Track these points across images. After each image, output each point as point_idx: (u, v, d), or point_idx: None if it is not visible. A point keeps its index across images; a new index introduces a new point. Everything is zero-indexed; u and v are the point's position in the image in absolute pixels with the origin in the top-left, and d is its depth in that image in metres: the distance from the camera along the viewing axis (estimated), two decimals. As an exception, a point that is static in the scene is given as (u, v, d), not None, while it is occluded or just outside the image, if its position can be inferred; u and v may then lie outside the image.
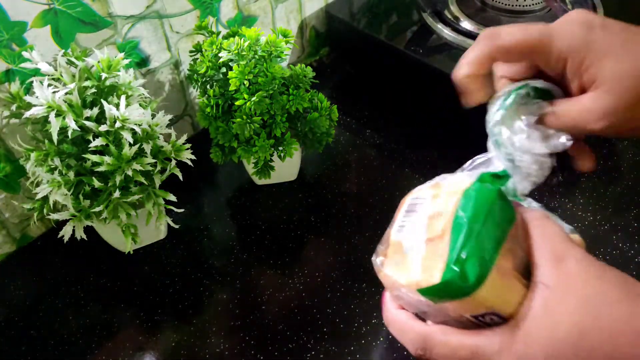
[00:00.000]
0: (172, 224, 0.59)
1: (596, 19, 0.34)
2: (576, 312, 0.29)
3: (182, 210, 0.58)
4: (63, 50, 0.55)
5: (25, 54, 0.52)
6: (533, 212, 0.34)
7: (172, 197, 0.56)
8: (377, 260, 0.36)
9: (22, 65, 0.54)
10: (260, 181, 0.69)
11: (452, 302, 0.31)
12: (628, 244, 0.59)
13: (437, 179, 0.37)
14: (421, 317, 0.35)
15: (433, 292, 0.31)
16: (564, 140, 0.35)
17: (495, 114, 0.36)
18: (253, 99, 0.56)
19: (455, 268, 0.30)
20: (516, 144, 0.35)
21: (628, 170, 0.67)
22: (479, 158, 0.38)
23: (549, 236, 0.32)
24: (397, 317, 0.35)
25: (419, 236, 0.33)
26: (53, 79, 0.52)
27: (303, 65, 0.61)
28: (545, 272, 0.31)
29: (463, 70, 0.37)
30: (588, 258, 0.31)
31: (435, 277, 0.31)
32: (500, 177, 0.35)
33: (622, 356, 0.28)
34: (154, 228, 0.62)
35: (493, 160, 0.37)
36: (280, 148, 0.60)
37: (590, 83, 0.34)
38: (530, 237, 0.33)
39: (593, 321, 0.29)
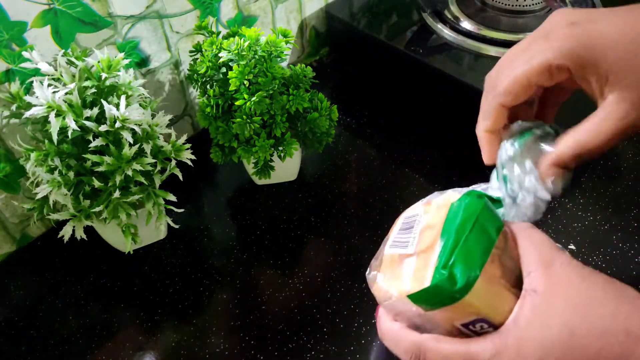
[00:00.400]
0: (172, 224, 0.59)
1: (577, 15, 0.34)
2: (565, 313, 0.29)
3: (182, 210, 0.58)
4: (63, 50, 0.55)
5: (25, 54, 0.52)
6: (519, 224, 0.35)
7: (172, 197, 0.57)
8: (370, 274, 0.37)
9: (22, 65, 0.54)
10: (260, 181, 0.69)
11: (442, 310, 0.32)
12: (628, 244, 0.59)
13: (430, 197, 0.38)
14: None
15: (423, 298, 0.32)
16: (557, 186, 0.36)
17: (507, 149, 0.37)
18: (253, 99, 0.56)
19: (444, 272, 0.31)
20: (525, 184, 0.35)
21: (628, 170, 0.67)
22: (479, 186, 0.39)
23: (536, 244, 0.33)
24: (390, 328, 0.35)
25: (411, 249, 0.34)
26: (53, 79, 0.52)
27: (303, 65, 0.61)
28: (534, 279, 0.31)
29: (480, 125, 0.38)
30: (574, 262, 0.32)
31: (424, 283, 0.31)
32: (493, 200, 0.36)
33: (611, 355, 0.28)
34: (154, 228, 0.62)
35: (490, 190, 0.38)
36: (280, 148, 0.60)
37: (603, 80, 0.32)
38: (519, 246, 0.33)
39: (582, 321, 0.29)
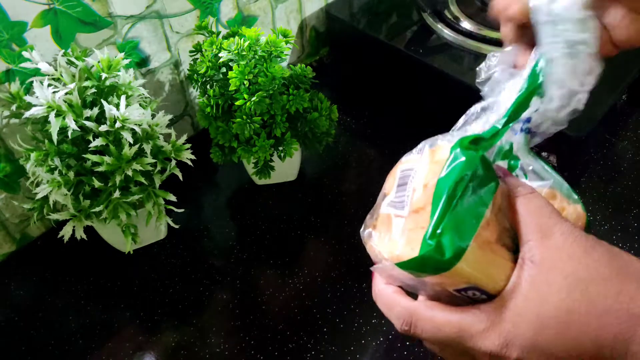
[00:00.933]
0: (172, 224, 0.59)
1: None
2: (564, 289, 0.28)
3: (182, 210, 0.58)
4: (63, 50, 0.55)
5: (25, 54, 0.52)
6: (519, 186, 0.33)
7: (172, 197, 0.56)
8: (365, 232, 0.35)
9: (22, 65, 0.54)
10: (260, 181, 0.69)
11: (432, 277, 0.30)
12: (628, 244, 0.59)
13: (423, 144, 0.36)
14: (411, 292, 0.34)
15: (411, 267, 0.31)
16: None
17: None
18: (253, 99, 0.56)
19: (431, 242, 0.30)
20: (556, 11, 0.33)
21: (628, 170, 0.67)
22: (476, 107, 0.37)
23: (535, 211, 0.31)
24: (384, 291, 0.34)
25: (405, 210, 0.33)
26: (53, 79, 0.52)
27: (303, 65, 0.61)
28: (531, 248, 0.30)
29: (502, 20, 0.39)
30: (576, 232, 0.30)
31: (414, 251, 0.30)
32: (485, 139, 0.34)
33: (610, 335, 0.27)
34: (154, 228, 0.62)
35: (489, 109, 0.36)
36: (280, 148, 0.60)
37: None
38: (516, 211, 0.32)
39: (581, 298, 0.28)
